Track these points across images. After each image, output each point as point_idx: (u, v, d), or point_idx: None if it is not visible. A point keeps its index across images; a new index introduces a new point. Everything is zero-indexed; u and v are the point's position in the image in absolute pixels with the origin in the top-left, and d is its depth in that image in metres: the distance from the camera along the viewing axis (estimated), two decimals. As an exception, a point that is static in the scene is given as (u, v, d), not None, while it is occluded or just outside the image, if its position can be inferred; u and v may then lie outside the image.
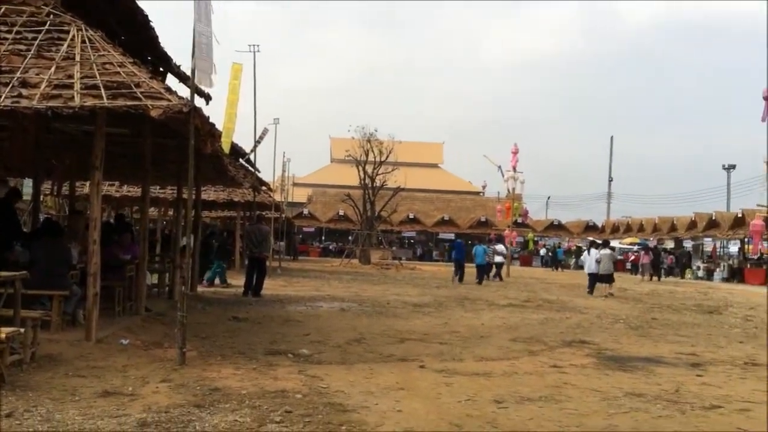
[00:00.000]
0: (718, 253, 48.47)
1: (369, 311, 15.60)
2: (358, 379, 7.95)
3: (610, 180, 75.30)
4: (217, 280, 20.82)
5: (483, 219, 57.86)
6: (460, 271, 28.21)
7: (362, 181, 43.81)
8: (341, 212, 55.59)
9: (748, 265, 40.30)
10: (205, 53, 8.60)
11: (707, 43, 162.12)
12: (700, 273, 43.29)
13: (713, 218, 44.24)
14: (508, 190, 38.29)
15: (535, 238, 57.77)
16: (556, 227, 61.87)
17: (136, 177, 16.45)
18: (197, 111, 8.46)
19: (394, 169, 43.69)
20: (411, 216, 58.13)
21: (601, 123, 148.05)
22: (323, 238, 60.24)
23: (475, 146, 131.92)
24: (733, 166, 64.11)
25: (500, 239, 35.88)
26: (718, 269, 42.70)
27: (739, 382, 8.95)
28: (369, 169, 43.50)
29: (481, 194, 73.88)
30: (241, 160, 23.61)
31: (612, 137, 76.25)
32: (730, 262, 44.07)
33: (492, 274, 30.29)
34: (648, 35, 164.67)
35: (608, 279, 23.76)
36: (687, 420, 6.77)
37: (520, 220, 42.54)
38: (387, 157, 43.25)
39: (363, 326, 12.85)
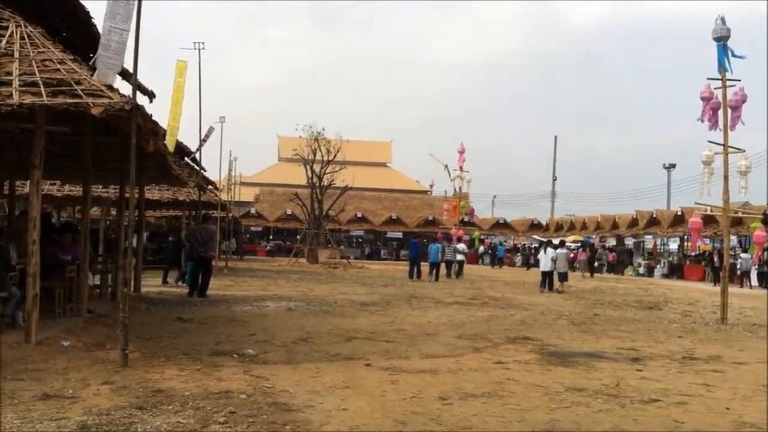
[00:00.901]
0: (658, 250, 49.60)
1: (316, 310, 15.58)
2: (303, 378, 7.95)
3: (554, 179, 76.52)
4: (181, 281, 20.81)
5: (430, 218, 58.21)
6: (417, 269, 29.34)
7: (310, 180, 43.67)
8: (289, 211, 55.32)
9: (687, 262, 41.36)
10: (113, 50, 8.42)
11: (648, 43, 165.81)
12: (641, 270, 44.26)
13: (654, 216, 45.29)
14: (455, 189, 38.57)
15: (482, 237, 58.29)
16: (501, 225, 62.58)
17: (78, 176, 16.15)
18: (139, 109, 8.36)
19: (342, 168, 43.64)
20: (359, 215, 58.15)
21: (546, 123, 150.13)
22: (271, 237, 59.85)
23: (423, 145, 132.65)
24: (674, 165, 65.76)
25: (447, 238, 36.53)
26: (658, 266, 43.68)
27: (678, 375, 9.19)
28: (317, 168, 43.37)
29: (429, 193, 74.30)
30: (186, 158, 23.37)
31: (556, 137, 77.55)
32: (670, 258, 45.17)
33: (455, 272, 31.34)
34: (590, 35, 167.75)
35: (564, 276, 25.20)
36: (626, 413, 6.93)
37: (466, 218, 42.87)
38: (335, 156, 43.17)
39: (310, 325, 12.83)
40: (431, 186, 77.25)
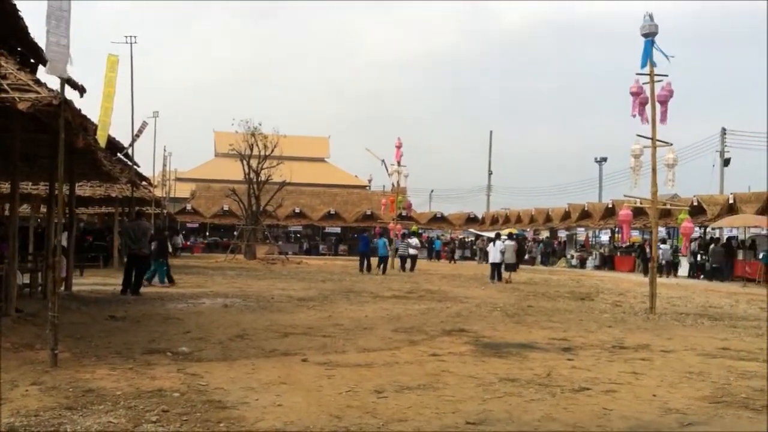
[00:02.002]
0: (590, 242, 50.73)
1: (253, 306, 15.48)
2: (239, 375, 7.91)
3: (490, 173, 77.52)
4: (155, 279, 20.51)
5: (369, 212, 58.34)
6: (366, 262, 30.44)
7: (247, 176, 43.24)
8: (226, 207, 54.71)
9: (618, 253, 42.39)
10: (63, 31, 8.04)
11: (581, 40, 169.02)
12: (574, 261, 45.20)
13: (586, 209, 46.29)
14: (393, 184, 38.70)
15: (419, 231, 58.68)
16: (439, 219, 63.09)
17: (5, 173, 15.69)
18: (68, 104, 8.17)
19: (280, 163, 43.36)
20: (297, 210, 57.87)
21: (481, 118, 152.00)
22: (207, 233, 59.09)
23: (361, 140, 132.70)
24: (605, 159, 67.34)
25: (385, 232, 36.96)
26: (590, 257, 44.67)
27: (607, 364, 9.42)
28: (254, 163, 42.97)
29: (368, 188, 74.44)
30: (119, 154, 22.90)
31: (491, 132, 78.43)
32: (602, 250, 46.22)
33: (409, 266, 32.36)
34: (523, 33, 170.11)
35: (512, 267, 26.66)
36: (557, 402, 7.09)
37: (404, 213, 42.99)
38: (272, 151, 42.84)
39: (246, 322, 12.75)
40: (370, 181, 77.49)
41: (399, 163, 37.23)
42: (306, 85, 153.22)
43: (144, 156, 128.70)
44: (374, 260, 31.12)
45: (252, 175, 42.90)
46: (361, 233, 35.83)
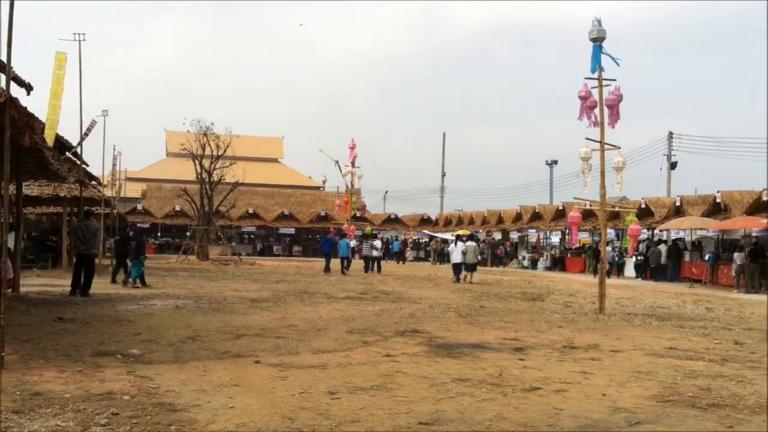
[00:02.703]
0: (541, 244, 51.40)
1: (205, 308, 15.33)
2: (190, 377, 7.83)
3: (443, 174, 78.03)
4: (130, 280, 20.63)
5: (323, 213, 58.26)
6: (327, 262, 31.44)
7: (199, 176, 42.81)
8: (178, 207, 54.11)
9: (569, 255, 43.05)
10: None
11: (533, 43, 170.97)
12: (526, 263, 45.75)
13: (537, 210, 46.91)
14: (347, 185, 38.73)
15: (373, 232, 58.81)
16: (393, 221, 63.28)
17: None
18: (13, 101, 8.01)
19: (233, 163, 43.04)
20: (250, 211, 57.50)
21: (436, 120, 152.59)
22: (159, 234, 58.33)
23: (316, 141, 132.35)
24: (556, 162, 68.37)
25: (340, 233, 37.06)
26: (541, 259, 45.26)
27: (558, 364, 9.55)
28: (206, 163, 42.57)
29: (322, 189, 74.26)
30: (67, 153, 22.48)
31: (444, 134, 78.98)
32: (553, 251, 46.86)
33: (372, 267, 32.99)
34: (475, 35, 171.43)
35: (473, 268, 27.56)
36: (508, 402, 7.17)
37: (358, 214, 43.11)
38: (224, 151, 42.50)
39: (198, 323, 12.62)
40: (324, 182, 77.28)
41: (353, 164, 37.34)
42: (260, 85, 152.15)
43: (93, 155, 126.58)
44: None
45: (204, 175, 42.49)
46: (325, 235, 36.20)
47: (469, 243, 28.46)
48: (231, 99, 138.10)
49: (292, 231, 59.94)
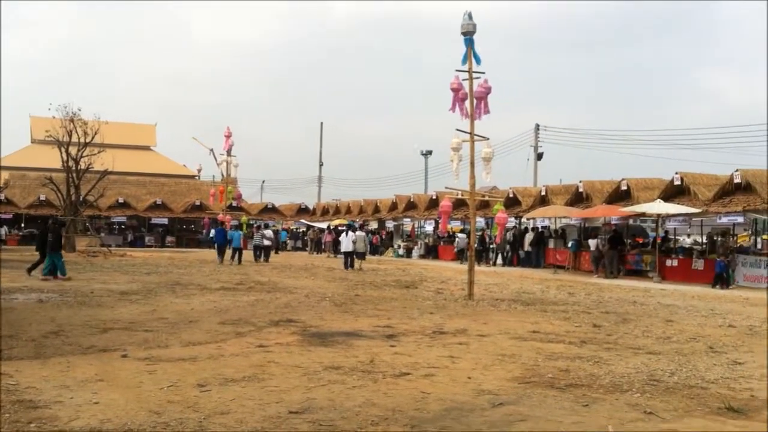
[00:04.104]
0: (416, 232, 52.29)
1: (70, 301, 14.76)
2: (53, 373, 7.58)
3: (321, 164, 78.08)
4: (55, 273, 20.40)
5: (197, 203, 56.94)
6: (220, 253, 31.84)
7: (65, 164, 40.94)
8: (43, 197, 51.49)
9: (442, 243, 44.02)
10: None
11: (409, 35, 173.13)
12: (401, 251, 46.47)
13: (411, 200, 47.66)
14: (222, 174, 38.03)
15: (250, 222, 58.09)
16: (270, 210, 62.64)
17: None
18: None
19: (101, 151, 41.40)
20: (121, 200, 55.45)
21: (314, 109, 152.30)
22: (23, 225, 55.34)
23: (190, 129, 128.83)
24: (430, 152, 69.69)
25: (216, 223, 36.69)
26: (415, 247, 46.09)
27: (427, 349, 9.85)
28: (73, 150, 40.75)
29: (197, 178, 72.52)
30: None
31: (322, 123, 78.94)
32: (426, 240, 47.80)
33: (263, 256, 33.81)
34: (355, 27, 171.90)
35: (362, 256, 29.78)
36: (378, 388, 7.34)
37: (234, 203, 42.33)
38: (92, 138, 40.82)
39: (62, 317, 12.16)
40: (199, 171, 75.47)
41: (228, 153, 36.66)
42: (132, 70, 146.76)
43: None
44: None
45: (71, 163, 40.69)
46: (218, 226, 36.02)
47: (359, 233, 30.35)
48: (101, 85, 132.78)
49: (165, 221, 58.20)
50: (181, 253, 43.24)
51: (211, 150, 39.09)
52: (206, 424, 5.85)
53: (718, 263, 23.00)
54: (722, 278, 22.62)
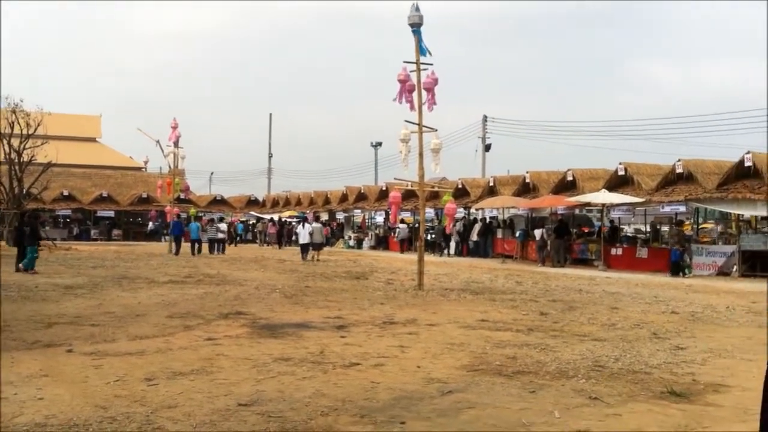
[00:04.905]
0: (366, 224, 52.37)
1: (14, 296, 14.44)
2: (-5, 369, 7.42)
3: (270, 155, 77.64)
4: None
5: (144, 195, 56.05)
6: (177, 246, 32.86)
7: (7, 156, 39.91)
8: (-17, 190, 50.13)
9: (392, 234, 44.17)
10: None
11: (359, 25, 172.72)
12: (351, 242, 46.51)
13: (362, 191, 47.71)
14: (169, 166, 37.46)
15: (199, 214, 57.43)
16: (219, 202, 62.02)
17: None
18: None
19: (45, 142, 40.45)
20: (66, 193, 54.30)
21: (263, 101, 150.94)
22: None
23: (137, 120, 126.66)
24: (380, 144, 69.73)
25: (162, 215, 36.50)
26: (366, 238, 46.18)
27: (377, 339, 9.91)
28: (15, 142, 39.76)
29: (144, 170, 71.35)
30: None
31: (271, 114, 78.53)
32: (377, 231, 47.92)
33: (217, 249, 34.28)
34: (304, 17, 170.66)
35: (319, 247, 30.35)
36: (328, 378, 7.37)
37: (182, 195, 41.79)
38: (35, 129, 39.88)
39: (6, 313, 11.87)
40: (146, 162, 74.22)
41: (176, 144, 36.11)
42: (75, 60, 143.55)
43: None
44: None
45: (13, 155, 39.72)
46: (175, 219, 36.16)
47: (316, 225, 31.34)
48: (44, 75, 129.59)
49: (111, 214, 57.19)
50: (128, 246, 42.61)
51: (158, 141, 38.38)
52: (153, 418, 5.80)
53: (673, 252, 23.24)
54: (678, 266, 22.91)
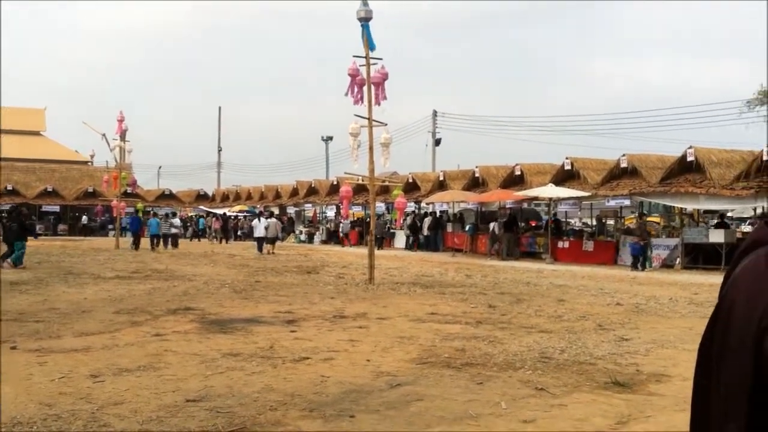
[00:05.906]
0: (318, 218, 52.22)
1: (-47, 294, 14.08)
2: (-65, 368, 7.24)
3: (220, 150, 76.85)
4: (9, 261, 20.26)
5: (90, 190, 55.01)
6: (136, 241, 33.00)
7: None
8: None
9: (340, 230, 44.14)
10: None
11: (307, 20, 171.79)
12: (303, 237, 46.34)
13: (313, 186, 47.57)
14: (116, 160, 36.82)
15: (147, 209, 56.58)
16: (167, 197, 61.17)
17: None
18: None
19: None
20: (9, 188, 52.98)
21: (213, 94, 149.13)
22: None
23: (83, 114, 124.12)
24: (331, 138, 69.55)
25: (108, 209, 36.25)
26: (317, 233, 46.06)
27: (327, 333, 9.92)
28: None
29: (90, 164, 69.99)
30: None
31: (220, 108, 77.61)
32: (328, 225, 47.82)
33: (169, 243, 34.56)
34: (255, 12, 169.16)
35: (274, 241, 31.17)
36: (278, 373, 7.36)
37: (129, 190, 41.15)
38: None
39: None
40: (92, 156, 72.87)
41: (122, 138, 35.51)
42: (19, 52, 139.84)
43: None
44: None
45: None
46: (133, 214, 37.80)
47: (271, 219, 32.14)
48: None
49: (56, 208, 56.01)
50: (74, 241, 41.76)
51: (104, 135, 37.75)
52: (99, 415, 5.73)
53: (632, 246, 23.42)
54: (638, 260, 23.00)
